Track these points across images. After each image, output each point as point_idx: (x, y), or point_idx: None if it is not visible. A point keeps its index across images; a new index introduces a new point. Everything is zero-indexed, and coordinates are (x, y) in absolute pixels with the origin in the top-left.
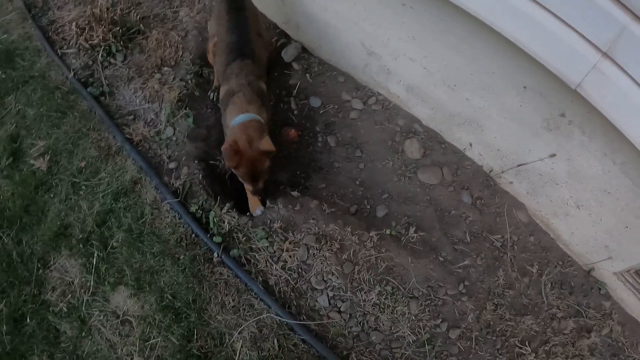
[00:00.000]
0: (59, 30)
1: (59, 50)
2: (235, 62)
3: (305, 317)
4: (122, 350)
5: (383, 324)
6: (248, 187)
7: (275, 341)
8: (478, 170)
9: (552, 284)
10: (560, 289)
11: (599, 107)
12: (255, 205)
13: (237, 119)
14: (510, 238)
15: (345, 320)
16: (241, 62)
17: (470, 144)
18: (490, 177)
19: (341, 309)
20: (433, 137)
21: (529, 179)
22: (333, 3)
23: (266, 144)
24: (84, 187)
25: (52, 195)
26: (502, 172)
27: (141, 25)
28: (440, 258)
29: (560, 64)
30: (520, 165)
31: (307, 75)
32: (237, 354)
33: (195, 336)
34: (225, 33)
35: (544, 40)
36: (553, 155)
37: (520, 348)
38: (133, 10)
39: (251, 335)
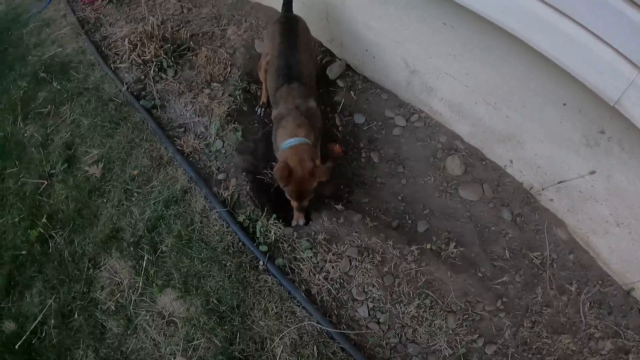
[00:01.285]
0: (112, 45)
1: (112, 65)
2: (283, 87)
3: (345, 327)
4: (165, 349)
5: (420, 337)
6: (294, 204)
7: (315, 348)
8: (518, 187)
9: (590, 303)
10: (599, 308)
11: (638, 123)
12: (298, 219)
13: (288, 142)
14: (549, 255)
15: (383, 331)
16: (288, 87)
17: (511, 161)
18: (530, 194)
19: (380, 320)
20: (474, 154)
21: (569, 196)
22: (376, 22)
23: (321, 174)
24: (136, 194)
25: (105, 201)
26: (543, 189)
27: (191, 42)
28: (479, 274)
29: (597, 80)
30: (560, 182)
31: (352, 92)
32: (277, 359)
33: (237, 339)
34: (277, 57)
35: (581, 57)
36: (593, 172)
37: None
38: (183, 28)
39: (292, 342)
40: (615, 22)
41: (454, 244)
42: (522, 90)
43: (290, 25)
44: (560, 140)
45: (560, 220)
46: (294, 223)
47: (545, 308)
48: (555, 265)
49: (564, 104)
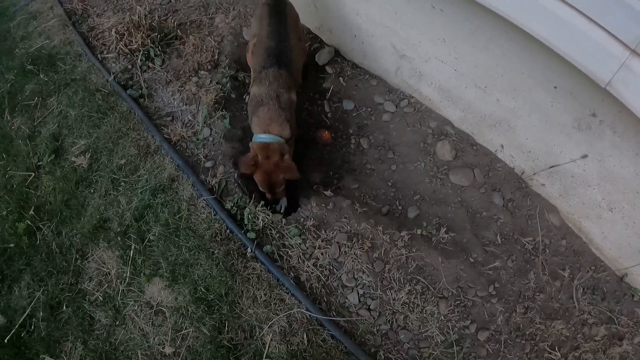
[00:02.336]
0: (99, 36)
1: (99, 55)
2: (272, 68)
3: (335, 314)
4: (154, 339)
5: (412, 323)
6: (267, 195)
7: (305, 336)
8: (510, 172)
9: (583, 289)
10: (592, 294)
11: (630, 106)
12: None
13: (259, 137)
14: (542, 241)
15: (374, 318)
16: (276, 71)
17: (502, 146)
18: (522, 179)
19: (371, 307)
20: (464, 139)
21: (561, 181)
22: (364, 7)
23: (285, 170)
24: (123, 184)
25: (92, 191)
26: (534, 174)
27: (178, 31)
28: (470, 259)
29: (588, 62)
30: (552, 167)
31: (340, 78)
32: (267, 347)
33: (226, 328)
34: (266, 37)
35: (572, 38)
36: (585, 156)
37: (550, 353)
38: (170, 17)
39: (281, 329)
40: (605, 2)
41: (445, 229)
42: (512, 73)
43: (279, 8)
44: (551, 124)
45: (552, 205)
46: (278, 208)
47: (538, 294)
48: (547, 250)
49: (555, 87)
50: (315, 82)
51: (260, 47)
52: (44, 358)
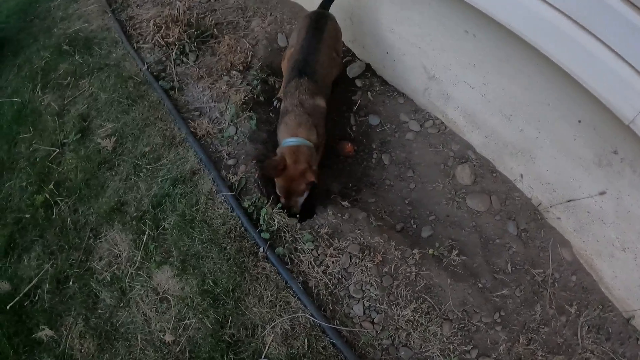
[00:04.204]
0: (137, 26)
1: (135, 44)
2: (293, 80)
3: (338, 322)
4: (156, 325)
5: (414, 342)
6: (281, 200)
7: (306, 341)
8: (527, 202)
9: (589, 326)
10: (597, 333)
11: None
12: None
13: (287, 141)
14: (552, 274)
15: (377, 331)
16: (298, 81)
17: (521, 175)
18: (538, 210)
19: (375, 320)
20: (485, 165)
21: (576, 216)
22: (399, 26)
23: (310, 175)
24: (144, 170)
25: (113, 174)
26: (551, 207)
27: (215, 30)
28: (479, 284)
29: (614, 97)
30: (569, 200)
31: (369, 93)
32: (267, 347)
33: (229, 323)
34: (298, 51)
35: (599, 73)
36: (603, 193)
37: None
38: (208, 16)
39: (283, 331)
40: (635, 40)
41: (457, 252)
42: (538, 104)
43: (319, 22)
44: (572, 158)
45: (566, 239)
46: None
47: (542, 326)
48: (556, 284)
49: (579, 121)
50: (344, 94)
51: (291, 60)
52: (44, 329)
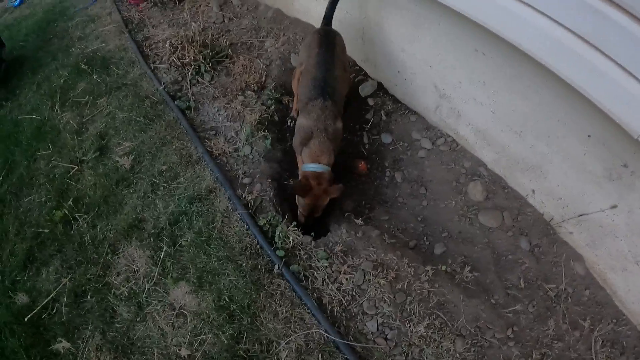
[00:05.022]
0: (153, 46)
1: (151, 64)
2: (318, 101)
3: (352, 339)
4: (172, 340)
5: (427, 358)
6: (301, 214)
7: (320, 356)
8: (539, 217)
9: (603, 341)
10: (612, 347)
11: None
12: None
13: (310, 167)
14: (565, 289)
15: (390, 347)
16: (323, 104)
17: (533, 191)
18: (550, 225)
19: (388, 336)
20: (497, 182)
21: (589, 230)
22: (410, 45)
23: (334, 191)
24: (162, 188)
25: (131, 191)
26: (563, 222)
27: (229, 50)
28: (492, 300)
29: (622, 112)
30: (581, 215)
31: (381, 112)
32: None
33: (244, 339)
34: (313, 66)
35: (608, 89)
36: (614, 207)
37: None
38: (223, 36)
39: (297, 347)
40: None
41: (469, 268)
42: (548, 120)
43: (328, 38)
44: (583, 173)
45: (578, 254)
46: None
47: (556, 342)
48: (570, 299)
49: (589, 136)
50: (357, 113)
51: (306, 77)
52: (61, 341)
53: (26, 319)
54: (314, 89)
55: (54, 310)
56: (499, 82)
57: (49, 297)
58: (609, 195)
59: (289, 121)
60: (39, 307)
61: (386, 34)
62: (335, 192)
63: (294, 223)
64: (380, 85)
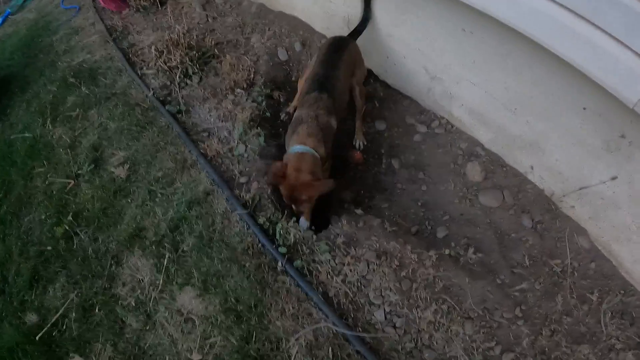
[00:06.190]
0: (139, 52)
1: (138, 71)
2: (313, 93)
3: (361, 330)
4: (182, 345)
5: (437, 343)
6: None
7: (330, 350)
8: (539, 193)
9: (612, 313)
10: (621, 319)
11: None
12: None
13: (294, 148)
14: (570, 264)
15: (399, 335)
16: (318, 95)
17: (532, 167)
18: (551, 201)
19: (396, 325)
20: (495, 161)
21: (590, 203)
22: (397, 29)
23: (320, 186)
24: (159, 195)
25: (129, 201)
26: (564, 196)
27: (215, 50)
28: (497, 280)
29: (616, 83)
30: (581, 188)
31: (373, 99)
32: (292, 359)
33: (253, 339)
34: (318, 65)
35: (600, 60)
36: (614, 178)
37: None
38: (208, 36)
39: (307, 343)
40: (634, 24)
41: (473, 250)
42: (542, 95)
43: (339, 45)
44: (581, 146)
45: (582, 228)
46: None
47: (565, 317)
48: (576, 273)
49: (584, 108)
50: (349, 102)
51: (311, 74)
52: (74, 357)
53: (37, 337)
54: (312, 83)
55: (64, 327)
56: (489, 60)
57: (58, 314)
58: (608, 166)
59: (283, 115)
60: (48, 325)
61: (372, 19)
62: (321, 188)
63: (294, 219)
64: (370, 73)
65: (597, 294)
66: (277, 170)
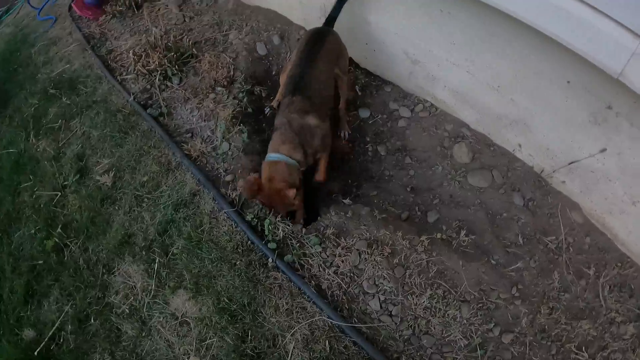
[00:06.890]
0: (117, 58)
1: (118, 77)
2: (286, 97)
3: (356, 320)
4: (179, 349)
5: (434, 328)
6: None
7: (327, 343)
8: (529, 171)
9: (610, 286)
10: (620, 291)
11: None
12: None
13: (269, 156)
14: (565, 239)
15: (396, 323)
16: (291, 98)
17: (520, 145)
18: (541, 177)
19: (392, 313)
20: (481, 141)
21: (581, 177)
22: (373, 15)
23: (289, 195)
24: (146, 200)
25: (116, 208)
26: (554, 172)
27: (194, 49)
28: (492, 261)
29: (599, 53)
30: (571, 163)
31: (355, 87)
32: (290, 355)
33: (249, 337)
34: (295, 62)
35: (581, 32)
36: (603, 150)
37: (577, 354)
38: (185, 36)
39: (303, 337)
40: None
41: (465, 232)
42: (525, 72)
43: (318, 37)
44: (567, 120)
45: (574, 202)
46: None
47: (562, 293)
48: (571, 249)
49: (568, 82)
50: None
51: (289, 74)
52: None
53: (36, 353)
54: (287, 85)
55: (61, 340)
56: (469, 40)
57: (54, 328)
58: (596, 139)
59: (267, 111)
60: (46, 339)
61: (348, 6)
62: (290, 199)
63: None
64: (350, 61)
65: (593, 269)
66: (250, 185)
